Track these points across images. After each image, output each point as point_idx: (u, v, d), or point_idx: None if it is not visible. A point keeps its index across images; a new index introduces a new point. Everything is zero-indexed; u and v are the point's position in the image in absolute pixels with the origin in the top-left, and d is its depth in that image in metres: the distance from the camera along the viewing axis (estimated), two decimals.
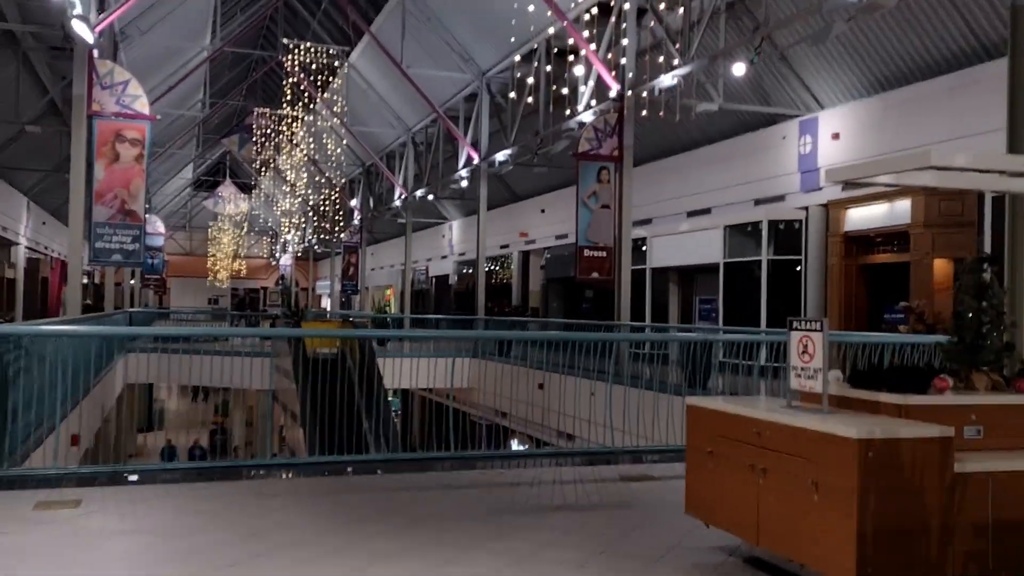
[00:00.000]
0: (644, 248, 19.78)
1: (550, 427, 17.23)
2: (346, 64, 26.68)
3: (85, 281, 46.28)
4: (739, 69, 12.16)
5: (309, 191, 35.18)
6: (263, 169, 39.06)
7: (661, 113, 13.75)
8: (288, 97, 23.71)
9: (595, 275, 14.69)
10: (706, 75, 14.03)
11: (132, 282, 36.72)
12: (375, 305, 29.52)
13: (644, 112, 14.32)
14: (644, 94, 14.08)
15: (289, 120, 26.68)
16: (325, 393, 9.68)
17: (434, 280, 37.36)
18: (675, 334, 13.32)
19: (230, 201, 47.88)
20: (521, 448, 18.49)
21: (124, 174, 11.95)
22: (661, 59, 13.80)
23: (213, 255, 53.68)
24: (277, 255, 59.10)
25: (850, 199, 14.80)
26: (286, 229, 53.34)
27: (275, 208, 50.85)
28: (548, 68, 17.89)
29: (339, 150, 33.28)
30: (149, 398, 39.77)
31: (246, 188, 50.74)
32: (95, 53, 12.22)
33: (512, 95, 19.19)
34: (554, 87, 17.68)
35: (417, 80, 22.18)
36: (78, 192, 11.76)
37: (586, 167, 14.46)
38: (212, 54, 25.16)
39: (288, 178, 37.52)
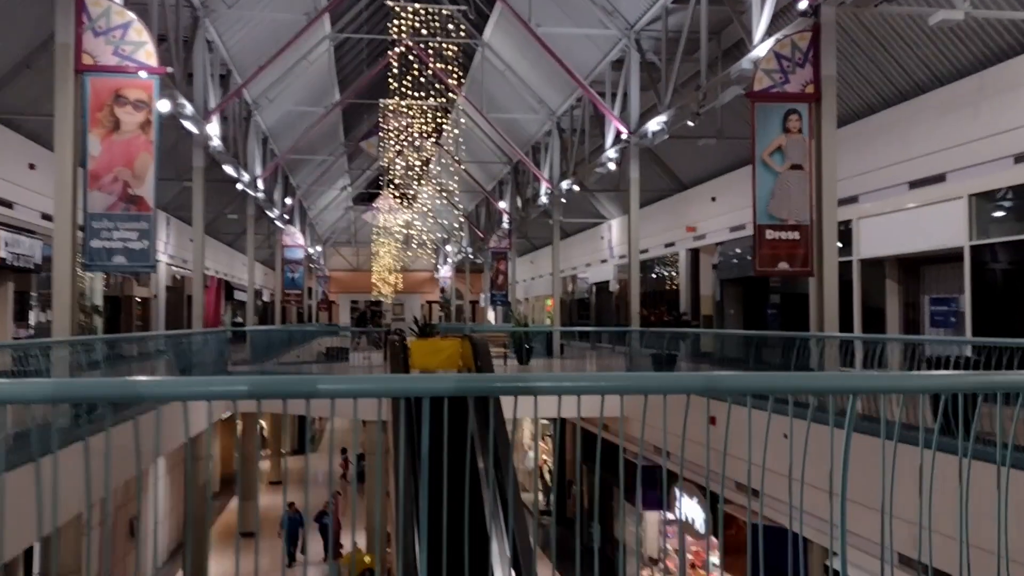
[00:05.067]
0: (848, 233, 15.00)
1: (714, 470, 12.93)
2: (481, 44, 23.49)
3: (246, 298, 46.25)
4: None
5: (452, 199, 32.31)
6: (419, 178, 36.75)
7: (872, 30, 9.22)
8: (418, 85, 20.71)
9: (783, 266, 10.29)
10: None
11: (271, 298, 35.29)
12: (515, 317, 26.12)
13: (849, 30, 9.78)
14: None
15: (423, 112, 23.73)
16: (434, 460, 6.06)
17: (594, 288, 33.47)
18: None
19: (388, 213, 46.30)
20: (688, 500, 14.21)
21: (126, 148, 9.12)
22: None
23: (376, 270, 52.64)
24: (438, 267, 57.39)
25: None
26: (445, 238, 51.25)
27: (432, 218, 48.87)
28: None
29: (485, 145, 30.26)
30: None
31: (406, 199, 49.06)
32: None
33: (663, 55, 15.12)
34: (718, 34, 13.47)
35: (555, 47, 18.51)
36: (64, 173, 8.98)
37: (766, 112, 10.11)
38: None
39: (437, 182, 35.00)
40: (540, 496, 25.58)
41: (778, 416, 9.78)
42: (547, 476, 25.74)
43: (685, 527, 14.67)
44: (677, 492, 14.44)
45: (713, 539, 13.19)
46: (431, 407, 2.42)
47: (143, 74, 9.30)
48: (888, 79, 14.44)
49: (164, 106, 12.42)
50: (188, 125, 14.52)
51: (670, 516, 14.89)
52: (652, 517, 16.30)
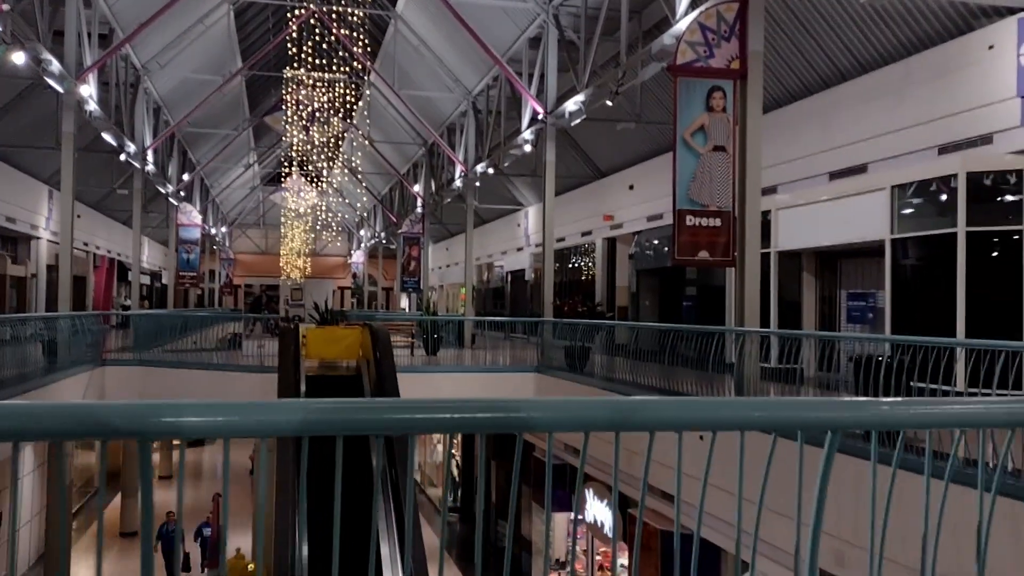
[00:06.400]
0: (768, 224, 14.48)
1: (632, 473, 12.26)
2: (394, 16, 22.26)
3: (147, 281, 43.71)
4: None
5: (363, 181, 30.97)
6: (328, 158, 35.10)
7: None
8: (321, 52, 19.27)
9: (703, 255, 9.56)
10: None
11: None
12: (423, 306, 25.07)
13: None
14: None
15: (330, 85, 22.35)
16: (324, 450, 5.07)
17: (510, 276, 32.66)
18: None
19: (296, 193, 44.43)
20: (598, 503, 13.49)
21: None
22: None
23: (284, 254, 50.64)
24: (352, 252, 55.72)
25: None
26: (358, 222, 49.66)
27: (343, 200, 47.26)
28: None
29: (399, 124, 29.03)
30: None
31: (314, 178, 47.24)
32: None
33: (583, 34, 14.26)
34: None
35: (471, 21, 17.50)
36: None
37: (688, 87, 9.31)
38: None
39: (347, 162, 33.52)
40: (448, 492, 24.64)
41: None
42: (455, 470, 24.83)
43: (592, 529, 13.96)
44: (587, 494, 13.70)
45: (622, 543, 12.49)
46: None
47: None
48: (811, 65, 13.96)
49: (19, 59, 10.94)
50: (53, 84, 12.95)
51: (577, 517, 14.16)
52: (560, 518, 15.57)
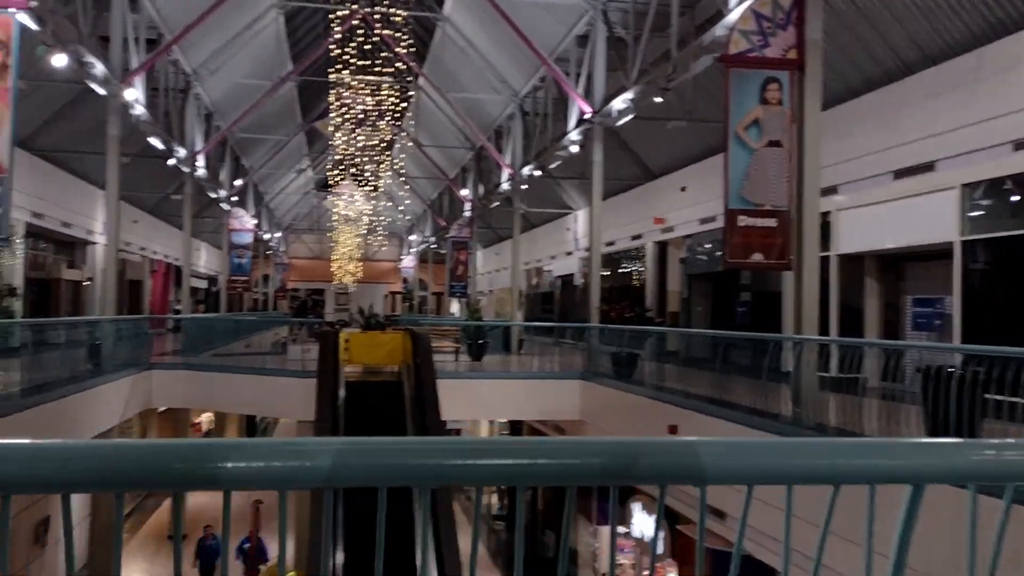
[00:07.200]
0: (827, 226, 13.80)
1: (683, 488, 11.68)
2: (442, 19, 22.05)
3: (204, 285, 44.30)
4: None
5: (413, 185, 30.83)
6: (378, 162, 35.09)
7: None
8: (364, 53, 19.08)
9: (757, 257, 8.98)
10: None
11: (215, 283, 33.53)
12: (470, 310, 24.72)
13: None
14: None
15: (377, 87, 22.20)
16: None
17: (559, 281, 32.20)
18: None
19: (347, 198, 44.63)
20: (646, 516, 12.95)
21: None
22: None
23: (336, 258, 50.98)
24: (402, 257, 55.89)
25: None
26: (409, 226, 49.70)
27: (392, 204, 47.32)
28: None
29: (447, 128, 28.84)
30: None
31: (364, 182, 47.41)
32: None
33: (631, 30, 13.77)
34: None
35: (518, 20, 17.15)
36: None
37: (742, 79, 8.76)
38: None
39: (396, 166, 33.47)
40: (495, 499, 24.28)
41: (746, 429, 8.14)
42: None
43: (641, 545, 13.42)
44: (634, 507, 13.19)
45: (669, 559, 11.95)
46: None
47: None
48: (872, 58, 13.24)
49: (59, 60, 10.90)
50: (96, 87, 12.95)
51: (623, 530, 13.62)
52: (606, 530, 15.03)
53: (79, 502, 16.79)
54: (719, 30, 10.39)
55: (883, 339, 13.35)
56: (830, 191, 14.04)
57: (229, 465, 1.11)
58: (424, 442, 1.16)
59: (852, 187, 13.90)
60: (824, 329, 12.99)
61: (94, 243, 26.57)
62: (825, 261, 13.63)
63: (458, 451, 1.16)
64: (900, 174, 12.86)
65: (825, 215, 13.70)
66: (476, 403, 15.72)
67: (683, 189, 20.19)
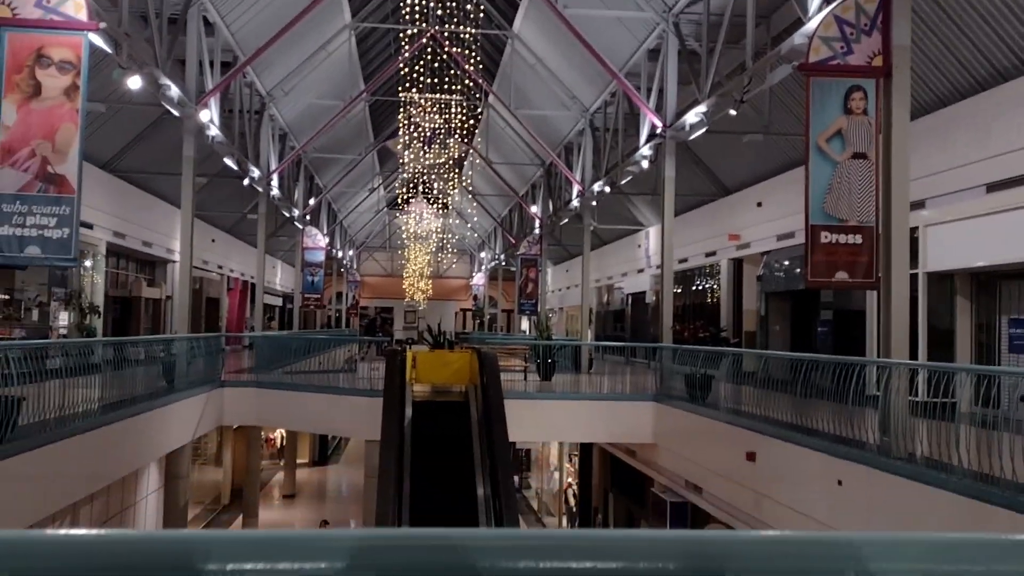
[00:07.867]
0: (915, 242, 13.09)
1: (763, 521, 11.10)
2: (511, 36, 21.97)
3: (279, 302, 45.18)
4: None
5: (482, 202, 30.80)
6: (446, 180, 35.27)
7: None
8: (433, 72, 19.15)
9: (841, 276, 8.48)
10: None
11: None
12: (540, 328, 24.42)
13: None
14: None
15: (447, 106, 22.25)
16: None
17: (630, 298, 31.67)
18: None
19: (420, 217, 45.01)
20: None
21: (47, 117, 7.68)
22: None
23: (407, 276, 51.40)
24: (473, 274, 56.04)
25: None
26: (480, 244, 49.81)
27: (462, 221, 47.53)
28: None
29: (517, 145, 28.76)
30: None
31: (434, 200, 47.75)
32: None
33: (704, 43, 13.36)
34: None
35: (587, 34, 16.91)
36: None
37: (823, 88, 8.31)
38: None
39: (467, 184, 33.54)
40: (564, 521, 23.86)
41: (830, 458, 7.64)
42: (571, 500, 23.99)
43: None
44: None
45: None
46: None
47: (71, 33, 7.86)
48: (963, 65, 12.55)
49: (135, 83, 11.11)
50: (171, 109, 13.22)
51: None
52: None
53: (153, 514, 17.05)
54: (798, 38, 9.93)
55: (976, 363, 12.57)
56: (918, 205, 13.33)
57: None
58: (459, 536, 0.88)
59: (941, 201, 13.17)
60: (913, 351, 12.29)
61: (173, 261, 27.27)
62: (913, 279, 12.92)
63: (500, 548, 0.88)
64: (993, 187, 12.12)
65: (913, 231, 13.01)
66: (545, 424, 15.43)
67: (759, 204, 19.58)
